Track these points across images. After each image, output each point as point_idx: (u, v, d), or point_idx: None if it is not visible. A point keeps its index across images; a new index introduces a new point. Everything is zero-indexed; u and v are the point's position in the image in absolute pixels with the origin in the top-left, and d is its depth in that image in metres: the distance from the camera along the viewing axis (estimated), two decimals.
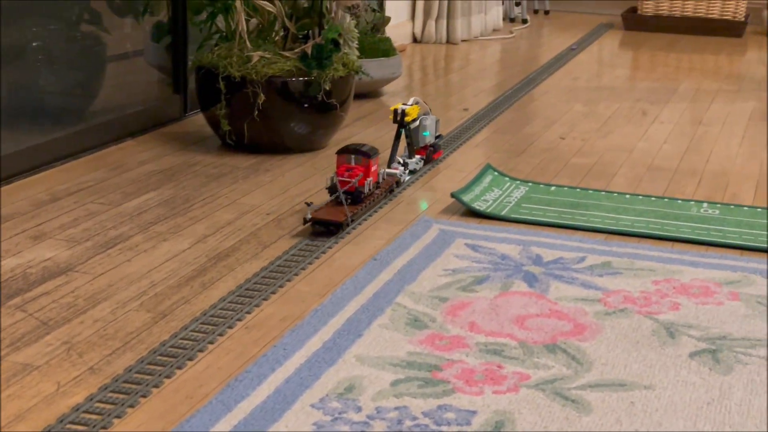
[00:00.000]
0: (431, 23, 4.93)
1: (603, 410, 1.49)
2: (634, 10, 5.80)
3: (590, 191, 2.60)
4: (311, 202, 2.28)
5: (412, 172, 2.69)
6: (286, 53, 2.79)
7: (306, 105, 2.78)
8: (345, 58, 2.88)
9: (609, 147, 3.08)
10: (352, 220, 2.28)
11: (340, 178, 2.31)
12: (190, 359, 1.62)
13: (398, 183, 2.58)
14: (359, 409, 1.47)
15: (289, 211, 2.37)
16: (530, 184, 2.64)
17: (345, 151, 2.37)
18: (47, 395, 1.49)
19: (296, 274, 2.00)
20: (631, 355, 1.67)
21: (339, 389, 1.52)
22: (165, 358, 1.62)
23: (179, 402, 1.49)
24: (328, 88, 2.78)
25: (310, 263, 2.06)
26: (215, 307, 1.83)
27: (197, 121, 3.12)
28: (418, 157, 2.74)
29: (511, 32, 5.41)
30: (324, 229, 2.23)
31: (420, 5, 4.91)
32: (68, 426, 1.40)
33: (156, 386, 1.53)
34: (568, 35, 5.41)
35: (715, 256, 2.15)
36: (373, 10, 3.68)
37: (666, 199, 2.54)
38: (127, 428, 1.41)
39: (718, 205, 2.51)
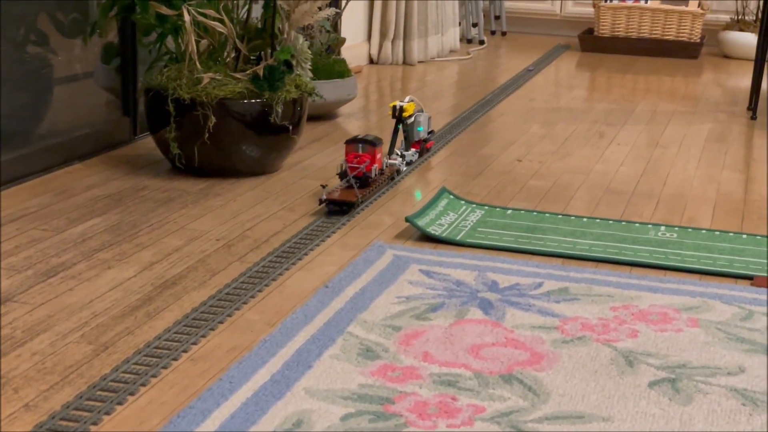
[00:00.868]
0: (387, 44, 4.89)
1: None
2: (590, 31, 5.80)
3: (547, 215, 2.56)
4: (326, 185, 2.60)
5: (408, 163, 2.98)
6: (238, 75, 2.73)
7: (258, 128, 2.73)
8: (298, 79, 2.83)
9: (566, 169, 3.04)
10: (362, 201, 2.57)
11: (350, 165, 2.60)
12: (132, 394, 1.55)
13: (398, 172, 2.88)
14: None
15: (239, 237, 2.31)
16: (486, 207, 2.60)
17: (353, 141, 2.65)
18: None
19: (245, 303, 1.94)
20: (589, 386, 1.63)
21: (287, 425, 1.46)
22: (105, 393, 1.55)
23: None
24: (280, 111, 2.72)
25: (260, 290, 2.00)
26: (160, 338, 1.76)
27: (147, 144, 3.05)
28: (413, 150, 3.02)
29: (468, 53, 5.39)
30: (338, 208, 2.51)
31: (376, 26, 4.87)
32: None
33: (94, 423, 1.46)
34: (525, 56, 5.40)
35: (673, 281, 2.12)
36: (327, 31, 3.63)
37: (624, 223, 2.51)
38: None
39: (676, 229, 2.48)
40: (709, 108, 4.12)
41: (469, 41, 5.78)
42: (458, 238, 2.35)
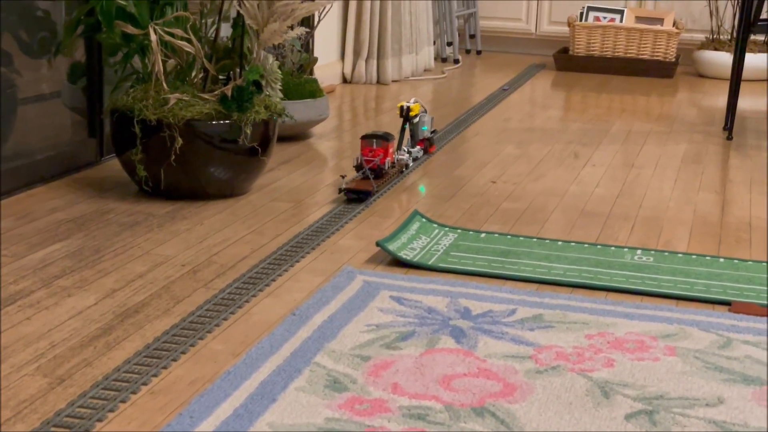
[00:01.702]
0: (361, 63, 4.84)
1: None
2: (565, 50, 5.77)
3: (521, 238, 2.51)
4: (345, 175, 2.87)
5: (414, 159, 3.25)
6: (206, 95, 2.67)
7: (226, 149, 2.67)
8: (267, 100, 2.77)
9: (541, 191, 3.00)
10: (377, 191, 2.85)
11: (365, 158, 2.89)
12: (87, 431, 1.48)
13: (406, 166, 3.14)
14: None
15: (205, 262, 2.25)
16: (459, 231, 2.55)
17: (368, 137, 2.91)
18: None
19: (209, 331, 1.87)
20: (564, 419, 1.57)
21: None
22: (59, 430, 1.48)
23: None
24: (249, 132, 2.67)
25: (225, 319, 1.94)
26: (119, 369, 1.69)
27: (113, 166, 2.98)
28: (418, 147, 3.29)
29: (443, 72, 5.35)
30: (356, 196, 2.77)
31: (350, 45, 4.83)
32: None
33: None
34: (500, 75, 5.36)
35: (650, 307, 2.07)
36: (299, 51, 3.58)
37: (599, 246, 2.46)
38: None
39: (652, 252, 2.43)
40: (685, 128, 4.09)
41: (444, 60, 5.75)
42: (430, 262, 2.30)
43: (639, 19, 5.69)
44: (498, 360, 1.79)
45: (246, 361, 1.73)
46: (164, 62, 2.71)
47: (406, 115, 3.20)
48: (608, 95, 4.87)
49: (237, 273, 2.19)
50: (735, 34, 5.27)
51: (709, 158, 3.54)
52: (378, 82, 4.90)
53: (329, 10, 4.31)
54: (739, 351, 1.86)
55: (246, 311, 1.98)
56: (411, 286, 2.14)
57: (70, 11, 2.90)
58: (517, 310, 2.03)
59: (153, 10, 2.72)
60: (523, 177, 3.16)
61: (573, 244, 2.48)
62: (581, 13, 5.72)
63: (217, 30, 2.79)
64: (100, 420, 1.51)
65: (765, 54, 5.46)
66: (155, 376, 1.68)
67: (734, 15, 5.50)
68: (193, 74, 2.77)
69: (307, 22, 4.22)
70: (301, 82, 3.49)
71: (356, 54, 4.85)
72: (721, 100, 4.74)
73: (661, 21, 5.64)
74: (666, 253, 2.42)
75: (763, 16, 4.04)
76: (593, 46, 5.62)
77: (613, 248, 2.45)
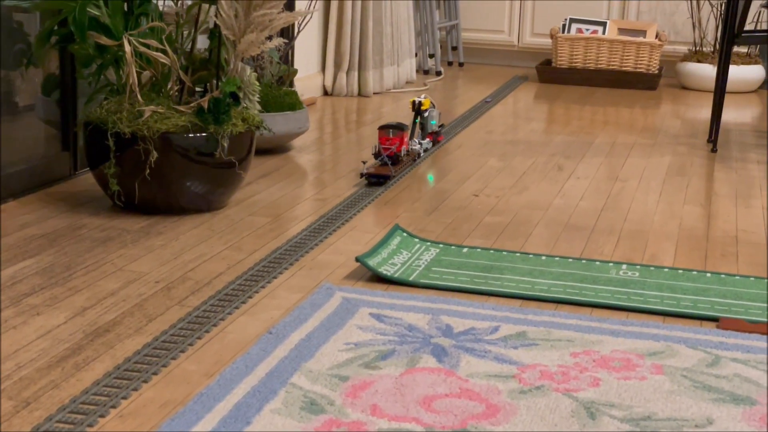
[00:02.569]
0: (342, 75, 4.79)
1: None
2: (548, 62, 5.74)
3: (504, 253, 2.45)
4: (365, 161, 3.22)
5: (425, 150, 3.53)
6: (182, 107, 2.61)
7: (202, 163, 2.61)
8: (245, 112, 2.71)
9: (524, 204, 2.95)
10: (395, 175, 3.15)
11: (383, 146, 3.20)
12: None
13: (418, 155, 3.44)
14: None
15: (180, 279, 2.19)
16: (441, 245, 2.49)
17: (385, 127, 3.23)
18: None
19: (183, 351, 1.81)
20: None
21: None
22: None
23: None
24: (226, 145, 2.61)
25: (199, 337, 1.88)
26: (87, 392, 1.63)
27: (88, 180, 2.92)
28: (428, 139, 3.56)
29: (425, 84, 5.30)
30: (376, 180, 3.07)
31: (330, 57, 4.77)
32: None
33: None
34: (482, 87, 5.32)
35: (636, 324, 2.01)
36: (278, 62, 3.52)
37: (584, 261, 2.41)
38: None
39: (638, 267, 2.38)
40: (669, 140, 4.05)
41: (426, 72, 5.70)
42: (411, 278, 2.24)
43: (622, 31, 5.67)
44: (480, 379, 1.73)
45: (220, 382, 1.67)
46: (139, 74, 2.65)
47: (417, 109, 3.47)
48: (592, 107, 4.84)
49: (212, 290, 2.13)
50: (718, 46, 5.24)
51: (694, 171, 3.50)
52: (359, 94, 4.85)
53: (309, 21, 4.26)
54: (728, 369, 1.81)
55: (221, 329, 1.92)
56: (391, 302, 2.09)
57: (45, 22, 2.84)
58: (500, 328, 1.97)
59: (127, 20, 2.66)
60: (506, 190, 3.11)
61: (557, 258, 2.42)
62: (564, 25, 5.69)
63: (194, 41, 2.74)
64: None
65: (748, 66, 5.43)
66: (125, 398, 1.62)
67: (717, 27, 5.48)
68: (169, 86, 2.71)
69: (287, 33, 4.17)
70: (280, 94, 3.44)
71: (337, 66, 4.80)
72: (705, 112, 4.71)
73: (643, 33, 5.61)
74: (652, 268, 2.37)
75: (747, 27, 4.00)
76: (576, 58, 5.58)
77: (598, 263, 2.40)
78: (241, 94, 2.69)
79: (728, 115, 4.63)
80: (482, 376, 1.74)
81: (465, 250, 2.47)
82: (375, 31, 4.84)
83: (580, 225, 2.75)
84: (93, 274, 2.19)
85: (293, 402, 1.62)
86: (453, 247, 2.49)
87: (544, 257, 2.43)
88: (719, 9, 5.42)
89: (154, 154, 2.54)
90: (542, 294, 2.18)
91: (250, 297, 2.10)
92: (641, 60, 5.50)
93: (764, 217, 2.91)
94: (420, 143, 3.48)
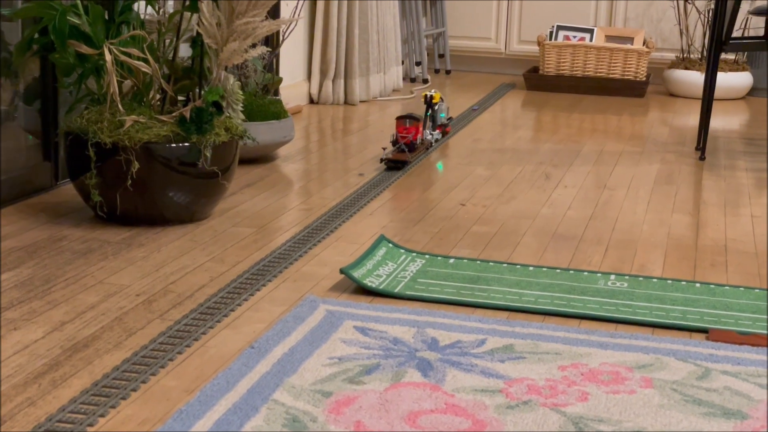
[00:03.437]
0: (328, 83, 4.76)
1: None
2: (535, 69, 5.71)
3: (491, 263, 2.42)
4: (385, 148, 3.53)
5: (436, 140, 3.85)
6: (164, 117, 2.58)
7: (185, 173, 2.57)
8: (228, 122, 2.68)
9: (511, 214, 2.92)
10: (411, 161, 3.48)
11: (401, 135, 3.50)
12: None
13: (431, 144, 3.77)
14: None
15: (161, 291, 2.15)
16: (427, 256, 2.46)
17: (402, 117, 3.54)
18: None
19: (163, 366, 1.77)
20: None
21: None
22: None
23: None
24: (209, 155, 2.57)
25: (179, 352, 1.84)
26: (64, 409, 1.59)
27: (69, 190, 2.88)
28: (437, 131, 3.87)
29: (412, 92, 5.27)
30: (394, 165, 3.40)
31: (316, 64, 4.74)
32: None
33: None
34: (469, 95, 5.29)
35: (625, 336, 1.98)
36: (262, 71, 3.49)
37: (572, 272, 2.38)
38: None
39: (627, 277, 2.35)
40: (657, 148, 4.03)
41: (413, 80, 5.67)
42: (397, 290, 2.21)
43: (609, 38, 5.65)
44: (467, 394, 1.70)
45: (200, 398, 1.63)
46: (120, 83, 2.61)
47: (429, 102, 3.77)
48: (579, 115, 4.81)
49: (194, 303, 2.09)
50: (706, 53, 5.23)
51: (682, 179, 3.48)
52: (345, 102, 4.81)
53: (294, 28, 4.22)
54: (718, 382, 1.78)
55: (202, 344, 1.89)
56: (376, 315, 2.05)
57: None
58: (487, 340, 1.94)
59: (108, 29, 2.62)
60: (494, 199, 3.08)
61: (545, 269, 2.39)
62: (551, 32, 5.67)
63: (176, 49, 2.70)
64: None
65: (736, 73, 5.42)
66: (102, 416, 1.58)
67: (704, 34, 5.47)
68: (151, 95, 2.67)
69: (272, 41, 4.14)
70: (264, 103, 3.40)
71: (323, 74, 4.77)
72: (693, 120, 4.69)
73: (631, 40, 5.59)
74: (641, 278, 2.35)
75: (735, 34, 3.98)
76: (563, 66, 5.56)
77: (586, 273, 2.37)
78: (224, 103, 2.66)
79: (716, 122, 4.61)
80: (468, 391, 1.71)
81: (451, 260, 2.43)
82: (361, 38, 4.81)
83: (568, 235, 2.72)
84: (73, 287, 2.15)
85: (275, 419, 1.58)
86: (439, 257, 2.45)
87: (531, 268, 2.40)
88: (707, 16, 5.40)
89: (136, 165, 2.50)
90: (530, 305, 2.14)
91: (232, 310, 2.06)
92: (629, 67, 5.48)
93: (753, 225, 2.88)
94: (431, 134, 3.78)
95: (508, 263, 2.43)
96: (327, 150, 3.81)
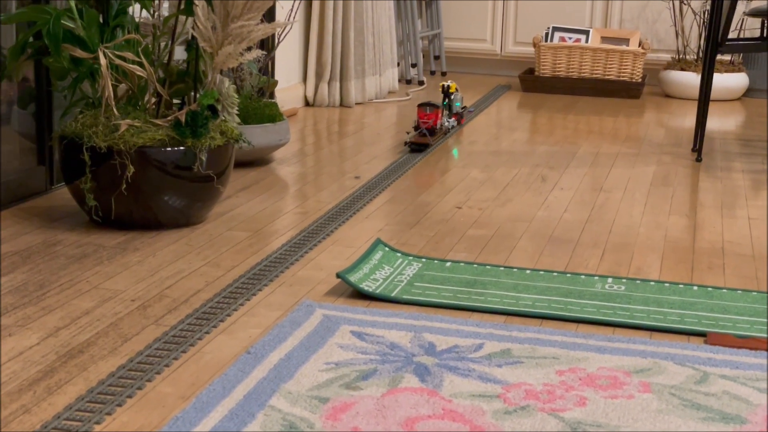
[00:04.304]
0: (324, 86, 4.75)
1: None
2: (531, 71, 5.71)
3: (488, 267, 2.41)
4: (409, 132, 3.87)
5: (452, 127, 4.18)
6: (159, 121, 2.57)
7: (180, 177, 2.56)
8: (223, 125, 2.67)
9: (508, 217, 2.91)
10: (432, 144, 3.81)
11: (422, 120, 3.86)
12: None
13: (448, 130, 4.11)
14: None
15: (156, 297, 2.14)
16: (424, 260, 2.45)
17: (423, 105, 3.90)
18: None
19: (158, 373, 1.76)
20: None
21: None
22: None
23: None
24: (204, 158, 2.56)
25: (175, 358, 1.83)
26: (59, 417, 1.58)
27: (64, 194, 2.87)
28: (453, 119, 4.19)
29: (407, 94, 5.26)
30: (417, 147, 3.74)
31: (312, 67, 4.73)
32: None
33: None
34: (465, 97, 5.27)
35: (622, 340, 1.98)
36: (257, 74, 3.48)
37: (569, 275, 2.37)
38: None
39: (624, 281, 2.34)
40: (653, 149, 4.02)
41: (409, 82, 5.66)
42: (393, 294, 2.20)
43: (605, 39, 5.64)
44: (464, 400, 1.69)
45: (196, 405, 1.62)
46: (115, 87, 2.60)
47: (446, 91, 4.12)
48: (575, 116, 4.81)
49: (190, 308, 2.08)
50: (702, 54, 5.22)
51: (679, 180, 3.47)
52: (341, 104, 4.80)
53: (289, 31, 4.22)
54: (717, 386, 1.77)
55: (198, 350, 1.88)
56: (373, 320, 2.04)
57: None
58: (485, 345, 1.93)
59: (103, 32, 2.61)
60: (490, 202, 3.07)
61: (542, 272, 2.39)
62: (546, 34, 5.66)
63: (171, 53, 2.69)
64: None
65: (732, 74, 5.42)
66: (98, 423, 1.57)
67: (700, 35, 5.46)
68: (146, 99, 2.66)
69: (267, 44, 4.13)
70: (260, 106, 3.39)
71: (318, 76, 4.76)
72: (689, 121, 4.68)
73: (626, 41, 5.58)
74: (638, 281, 2.34)
75: (731, 35, 3.98)
76: (559, 67, 5.55)
77: (583, 276, 2.36)
78: (219, 107, 2.65)
79: (712, 123, 4.61)
80: (466, 396, 1.70)
81: (448, 264, 2.42)
82: (357, 41, 4.80)
83: (564, 238, 2.72)
84: (67, 292, 2.14)
85: (272, 425, 1.57)
86: (436, 261, 2.44)
87: (528, 271, 2.39)
88: (702, 17, 5.40)
89: (131, 169, 2.49)
90: (527, 309, 2.14)
91: (228, 315, 2.05)
92: (624, 68, 5.47)
93: (750, 227, 2.88)
94: (448, 121, 4.12)
95: (505, 267, 2.42)
96: (323, 153, 3.80)
